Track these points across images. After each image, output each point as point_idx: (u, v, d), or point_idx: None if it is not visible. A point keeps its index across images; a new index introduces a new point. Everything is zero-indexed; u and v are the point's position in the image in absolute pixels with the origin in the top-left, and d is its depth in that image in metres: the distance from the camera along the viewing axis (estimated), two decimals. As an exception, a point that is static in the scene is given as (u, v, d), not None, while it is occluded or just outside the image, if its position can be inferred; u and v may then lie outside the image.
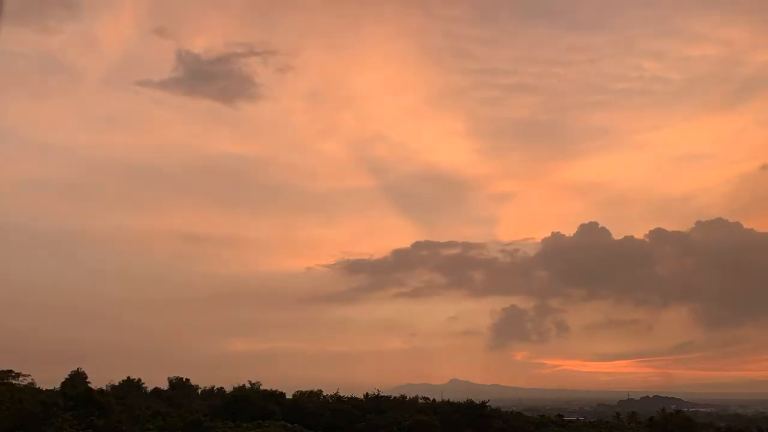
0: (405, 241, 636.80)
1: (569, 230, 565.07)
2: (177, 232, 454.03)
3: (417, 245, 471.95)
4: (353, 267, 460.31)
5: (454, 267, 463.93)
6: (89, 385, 78.99)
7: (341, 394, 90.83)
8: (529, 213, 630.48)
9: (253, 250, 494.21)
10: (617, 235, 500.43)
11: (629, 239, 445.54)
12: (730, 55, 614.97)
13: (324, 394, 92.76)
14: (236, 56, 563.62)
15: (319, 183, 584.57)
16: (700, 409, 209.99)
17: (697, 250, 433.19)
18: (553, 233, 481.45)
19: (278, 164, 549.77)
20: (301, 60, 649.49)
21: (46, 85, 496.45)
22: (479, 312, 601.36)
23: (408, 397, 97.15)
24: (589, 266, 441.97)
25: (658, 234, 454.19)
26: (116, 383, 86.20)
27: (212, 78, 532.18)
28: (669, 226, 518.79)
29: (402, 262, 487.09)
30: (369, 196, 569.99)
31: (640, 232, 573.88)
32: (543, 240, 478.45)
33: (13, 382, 66.82)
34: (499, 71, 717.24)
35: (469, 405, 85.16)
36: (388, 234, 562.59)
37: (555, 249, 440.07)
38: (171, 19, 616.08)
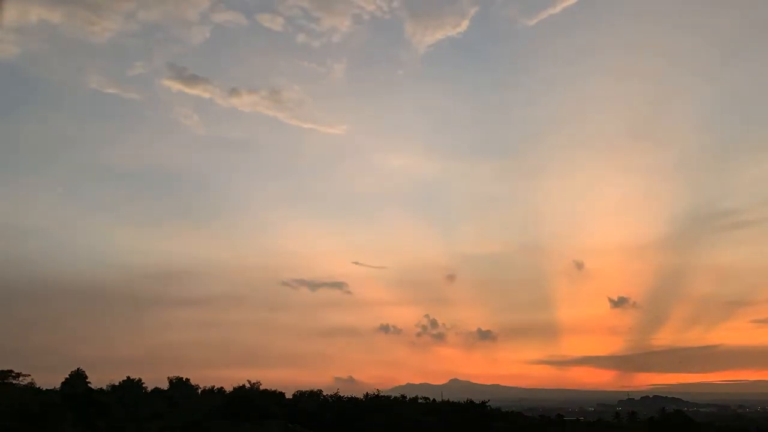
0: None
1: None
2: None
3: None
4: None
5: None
6: (89, 385, 78.93)
7: (341, 394, 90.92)
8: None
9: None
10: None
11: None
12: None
13: (324, 394, 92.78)
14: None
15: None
16: (700, 409, 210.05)
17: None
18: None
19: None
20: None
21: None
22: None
23: (408, 397, 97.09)
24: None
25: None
26: (116, 383, 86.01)
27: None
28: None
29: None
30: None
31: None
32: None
33: (13, 382, 66.91)
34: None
35: (469, 405, 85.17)
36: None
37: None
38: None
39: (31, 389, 67.51)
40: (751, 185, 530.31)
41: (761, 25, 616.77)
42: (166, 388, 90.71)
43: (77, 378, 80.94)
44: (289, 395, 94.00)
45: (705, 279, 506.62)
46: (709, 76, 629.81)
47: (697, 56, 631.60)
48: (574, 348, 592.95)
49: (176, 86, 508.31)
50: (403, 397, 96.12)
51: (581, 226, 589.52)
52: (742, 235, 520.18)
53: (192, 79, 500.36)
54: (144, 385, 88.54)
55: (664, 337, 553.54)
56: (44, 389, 71.85)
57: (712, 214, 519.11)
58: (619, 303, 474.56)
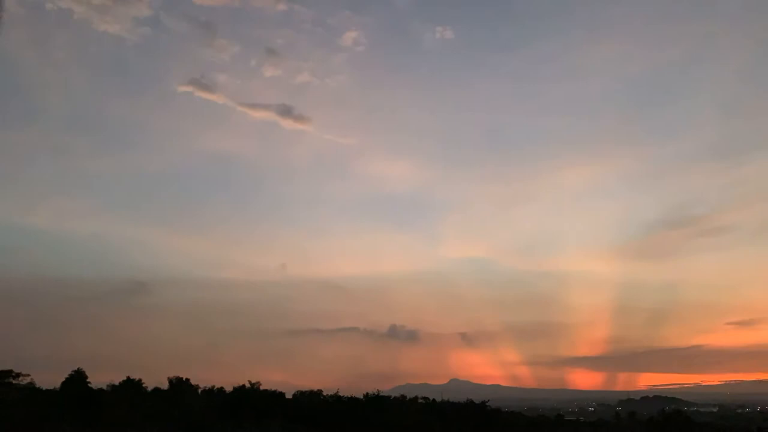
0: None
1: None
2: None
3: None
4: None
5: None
6: (89, 385, 78.79)
7: (341, 394, 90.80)
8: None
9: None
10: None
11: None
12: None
13: (324, 394, 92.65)
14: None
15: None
16: (701, 409, 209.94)
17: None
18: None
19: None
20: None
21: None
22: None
23: (408, 397, 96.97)
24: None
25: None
26: (116, 383, 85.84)
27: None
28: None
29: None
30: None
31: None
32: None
33: (13, 382, 66.85)
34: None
35: (469, 405, 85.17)
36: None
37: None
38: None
39: (31, 389, 67.46)
40: (722, 191, 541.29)
41: (736, 33, 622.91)
42: (166, 388, 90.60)
43: (77, 378, 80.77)
44: (289, 395, 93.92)
45: (683, 283, 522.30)
46: (683, 83, 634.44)
47: (673, 63, 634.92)
48: (572, 349, 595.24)
49: (189, 93, 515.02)
50: (403, 397, 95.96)
51: (564, 231, 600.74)
52: (715, 240, 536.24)
53: (205, 88, 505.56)
54: (144, 385, 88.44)
55: (654, 339, 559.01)
56: (44, 389, 71.79)
57: (684, 220, 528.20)
58: (608, 304, 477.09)
